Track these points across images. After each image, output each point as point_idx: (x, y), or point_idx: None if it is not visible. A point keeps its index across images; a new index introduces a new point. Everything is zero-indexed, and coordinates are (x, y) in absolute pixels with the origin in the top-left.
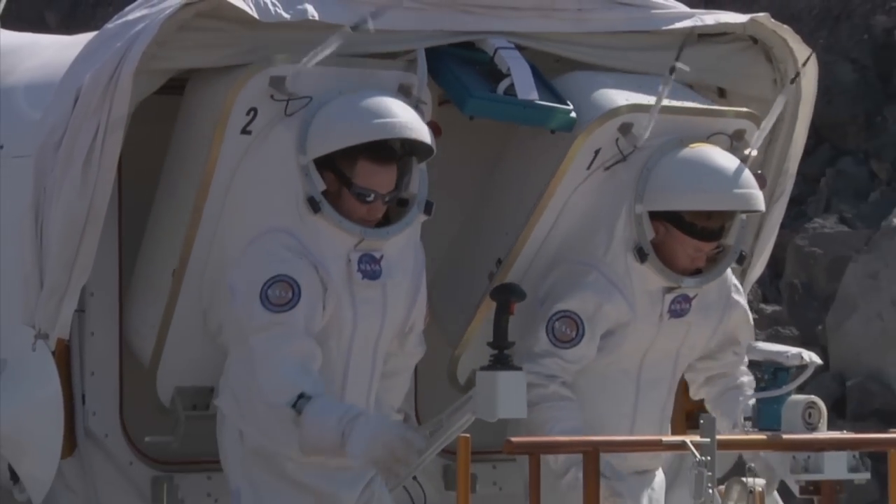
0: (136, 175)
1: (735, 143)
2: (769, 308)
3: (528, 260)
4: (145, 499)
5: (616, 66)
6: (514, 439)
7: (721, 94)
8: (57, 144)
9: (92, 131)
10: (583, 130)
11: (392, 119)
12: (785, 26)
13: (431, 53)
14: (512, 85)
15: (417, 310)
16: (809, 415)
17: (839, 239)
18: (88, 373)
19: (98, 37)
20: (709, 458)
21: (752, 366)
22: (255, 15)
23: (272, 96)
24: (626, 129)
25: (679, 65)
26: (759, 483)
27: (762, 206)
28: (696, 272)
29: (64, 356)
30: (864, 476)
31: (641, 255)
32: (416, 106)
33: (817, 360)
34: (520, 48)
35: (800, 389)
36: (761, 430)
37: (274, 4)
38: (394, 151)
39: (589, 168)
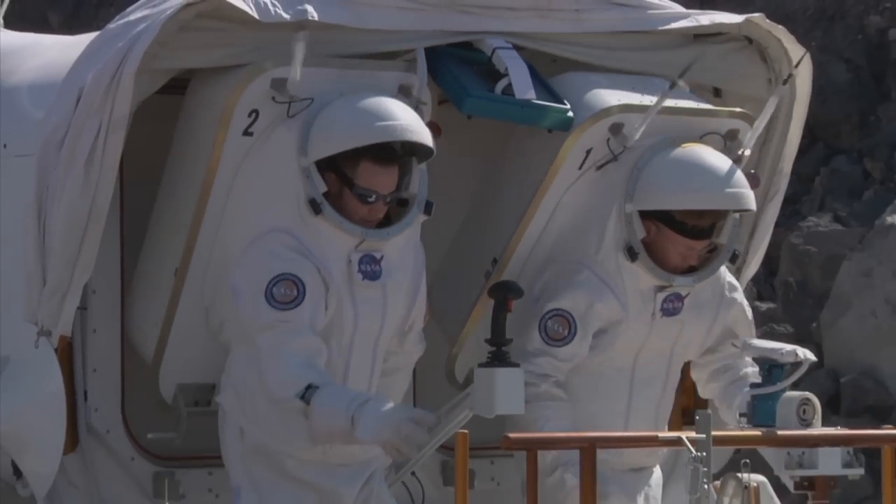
0: (138, 174)
1: (728, 143)
2: (764, 306)
3: (523, 259)
4: (147, 494)
5: (613, 66)
6: (511, 435)
7: (716, 93)
8: (59, 143)
9: (94, 130)
10: (574, 130)
11: (393, 122)
12: (780, 26)
13: (430, 53)
14: (510, 84)
15: (417, 309)
16: (804, 411)
17: (833, 237)
18: (90, 369)
19: (100, 37)
20: (704, 453)
21: None
22: (256, 15)
23: (274, 98)
24: (616, 129)
25: (680, 83)
26: (754, 479)
27: (753, 206)
28: (689, 271)
29: (66, 353)
30: (857, 472)
31: (632, 254)
32: (416, 106)
33: (812, 357)
34: (517, 48)
35: (794, 386)
36: (756, 426)
37: (274, 5)
38: (395, 152)
39: (581, 168)
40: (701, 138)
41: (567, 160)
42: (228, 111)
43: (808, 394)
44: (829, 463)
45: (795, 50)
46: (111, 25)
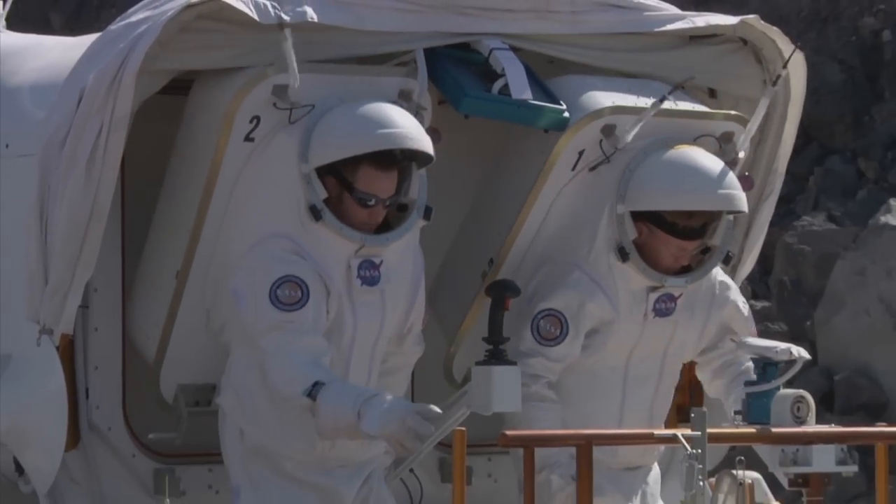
0: (139, 173)
1: (723, 145)
2: (759, 304)
3: (518, 259)
4: (148, 491)
5: (609, 67)
6: (508, 433)
7: (711, 94)
8: (61, 143)
9: (95, 130)
10: (566, 132)
11: (393, 129)
12: (774, 28)
13: (428, 54)
14: (506, 85)
15: (416, 312)
16: (798, 409)
17: (827, 236)
18: (92, 367)
19: (102, 38)
20: (699, 451)
21: None
22: (256, 17)
23: (275, 104)
24: (608, 130)
25: (670, 98)
26: (749, 476)
27: (744, 207)
28: (682, 272)
29: (68, 351)
30: (851, 469)
31: (623, 255)
32: (417, 112)
33: (806, 355)
34: (514, 49)
35: (788, 384)
36: (751, 423)
37: (274, 7)
38: (395, 157)
39: (574, 169)
40: (695, 140)
41: (559, 161)
42: (230, 117)
43: (802, 391)
44: (823, 460)
45: (790, 51)
46: (112, 26)
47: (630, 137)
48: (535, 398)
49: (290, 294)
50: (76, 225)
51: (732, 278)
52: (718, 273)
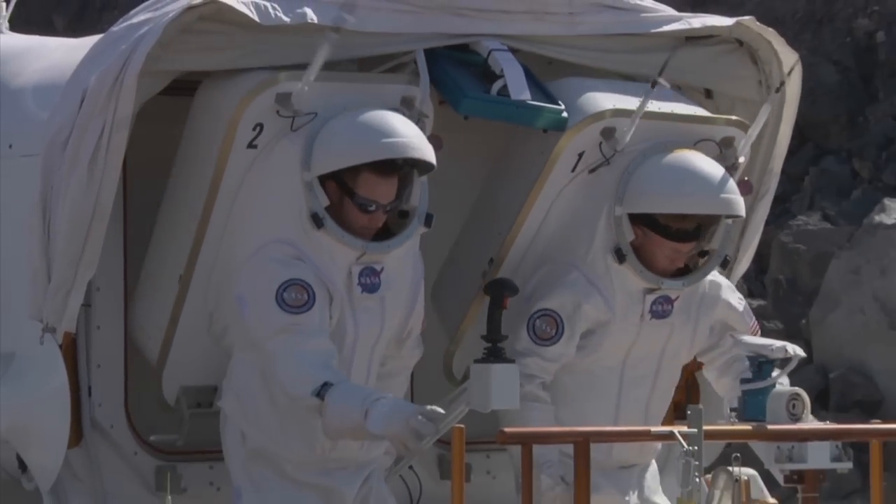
0: (141, 173)
1: (724, 150)
2: (754, 303)
3: (518, 259)
4: (149, 487)
5: (606, 68)
6: (507, 430)
7: (708, 94)
8: (64, 143)
9: (98, 130)
10: (565, 134)
11: (396, 139)
12: (770, 29)
13: (427, 55)
14: (505, 86)
15: (415, 317)
16: (793, 406)
17: (822, 235)
18: (94, 365)
19: (104, 39)
20: (696, 447)
21: None
22: (256, 18)
23: (278, 112)
24: (608, 133)
25: (661, 80)
26: (745, 472)
27: (741, 212)
28: (679, 274)
29: (71, 349)
30: (846, 465)
31: (620, 257)
32: (419, 119)
33: (801, 352)
34: (513, 50)
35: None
36: (747, 420)
37: (274, 8)
38: (396, 164)
39: (573, 170)
40: (695, 145)
41: (559, 163)
42: (234, 124)
43: (797, 389)
44: (819, 457)
45: (785, 52)
46: (114, 28)
47: (628, 138)
48: (528, 398)
49: (296, 297)
50: (79, 224)
51: (728, 277)
52: (715, 275)
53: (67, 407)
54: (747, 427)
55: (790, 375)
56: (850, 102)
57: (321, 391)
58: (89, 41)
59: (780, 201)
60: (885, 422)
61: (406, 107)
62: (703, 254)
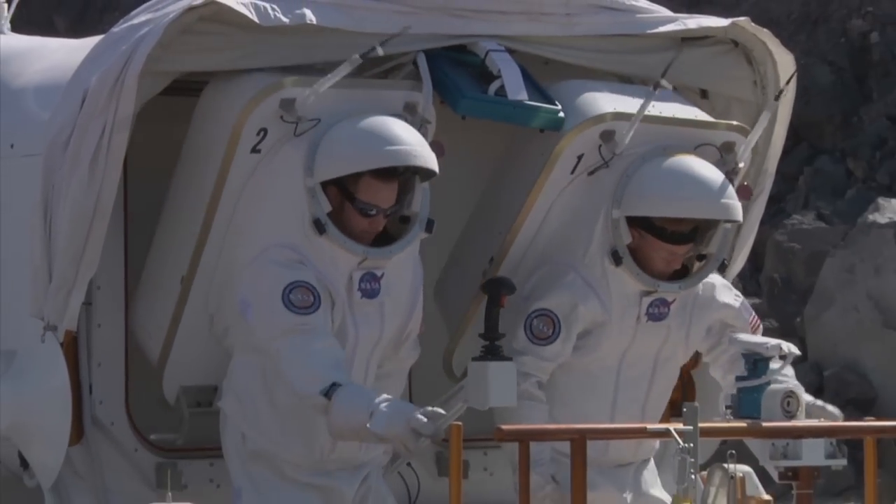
0: (142, 173)
1: (724, 155)
2: (749, 301)
3: (517, 259)
4: (150, 484)
5: (602, 68)
6: (504, 427)
7: (703, 95)
8: (65, 143)
9: (99, 130)
10: (565, 136)
11: (399, 146)
12: (765, 30)
13: (425, 56)
14: (503, 86)
15: (414, 321)
16: (788, 403)
17: (817, 235)
18: (95, 363)
19: (104, 40)
20: (691, 444)
21: None
22: (256, 19)
23: (282, 117)
24: (608, 136)
25: (663, 82)
26: (740, 469)
27: (738, 217)
28: (677, 277)
29: (72, 347)
30: (840, 462)
31: (616, 259)
32: (421, 125)
33: (796, 350)
34: (510, 51)
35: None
36: (742, 418)
37: (273, 9)
38: (396, 169)
39: (573, 172)
40: (695, 149)
41: (559, 164)
42: (238, 129)
43: (792, 387)
44: (813, 454)
45: (780, 53)
46: (115, 29)
47: (627, 140)
48: (524, 396)
49: (303, 298)
50: (80, 223)
51: (724, 276)
52: (713, 277)
53: (68, 405)
54: (742, 424)
55: None
56: (845, 102)
57: (329, 391)
58: (90, 42)
59: (775, 201)
60: (878, 419)
61: (409, 112)
62: (701, 257)
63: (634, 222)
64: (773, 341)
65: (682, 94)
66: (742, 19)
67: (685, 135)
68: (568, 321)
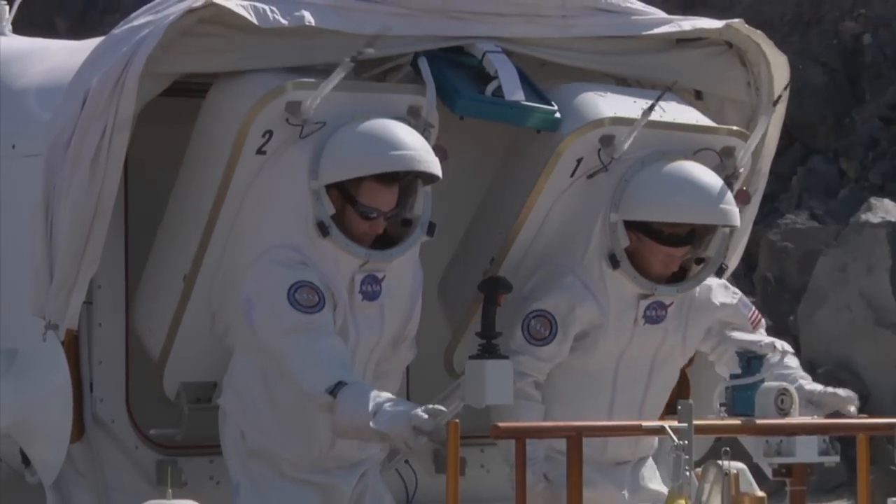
0: (142, 173)
1: (724, 160)
2: None
3: (517, 260)
4: (150, 481)
5: (599, 69)
6: (500, 424)
7: (698, 96)
8: (66, 144)
9: (99, 131)
10: (564, 139)
11: (404, 151)
12: (758, 31)
13: (420, 54)
14: (500, 87)
15: (412, 322)
16: (782, 401)
17: (810, 234)
18: (96, 362)
19: (105, 42)
20: (686, 442)
21: None
22: (255, 21)
23: (288, 120)
24: (607, 140)
25: (659, 105)
26: (734, 466)
27: (735, 222)
28: (674, 280)
29: (73, 346)
30: (833, 459)
31: (614, 262)
32: (424, 129)
33: (789, 348)
34: (507, 53)
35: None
36: (736, 415)
37: (272, 11)
38: (398, 173)
39: (572, 176)
40: (695, 154)
41: (558, 168)
42: (244, 130)
43: (785, 384)
44: (806, 451)
45: (774, 54)
46: (116, 31)
47: (626, 146)
48: (520, 395)
49: (308, 297)
50: (80, 223)
51: (721, 278)
52: (711, 280)
53: (70, 402)
54: (737, 422)
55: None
56: (837, 104)
57: (335, 389)
58: (91, 43)
59: (769, 200)
60: (871, 416)
61: (412, 116)
62: (699, 261)
63: (632, 225)
64: (766, 339)
65: (676, 94)
66: (736, 21)
67: (684, 139)
68: (565, 323)
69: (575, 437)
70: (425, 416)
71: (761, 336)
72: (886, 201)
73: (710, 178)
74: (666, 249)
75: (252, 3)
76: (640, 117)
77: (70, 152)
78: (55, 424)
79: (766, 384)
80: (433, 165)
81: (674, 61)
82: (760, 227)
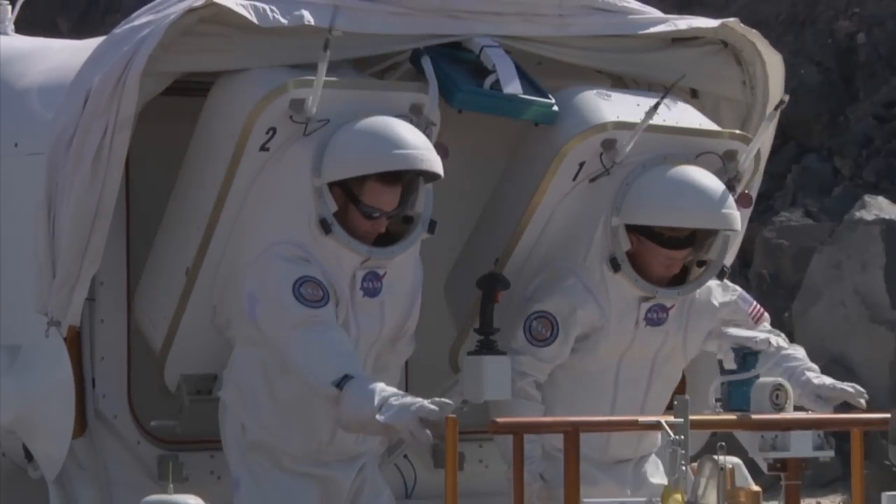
0: (144, 171)
1: (726, 163)
2: None
3: (521, 261)
4: (152, 476)
5: (595, 67)
6: (499, 419)
7: (693, 94)
8: (68, 142)
9: (101, 130)
10: (567, 143)
11: (407, 150)
12: (754, 31)
13: (421, 51)
14: (497, 81)
15: (412, 318)
16: (777, 396)
17: (804, 231)
18: (98, 358)
19: (107, 41)
20: (682, 437)
21: None
22: (255, 20)
23: (291, 117)
24: (609, 144)
25: (664, 102)
26: (729, 460)
27: (736, 226)
28: (676, 283)
29: (75, 342)
30: (828, 454)
31: (615, 266)
32: (426, 127)
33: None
34: (505, 50)
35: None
36: (731, 410)
37: (272, 10)
38: (401, 173)
39: (574, 179)
40: (697, 157)
41: (561, 171)
42: (248, 128)
43: (780, 380)
44: (801, 446)
45: (769, 53)
46: (117, 30)
47: (628, 149)
48: (520, 394)
49: (313, 292)
50: (82, 221)
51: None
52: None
53: (72, 398)
54: (732, 417)
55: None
56: (832, 102)
57: (341, 382)
58: (93, 43)
59: (764, 198)
60: (865, 411)
61: (414, 114)
62: (700, 263)
63: (633, 228)
64: (761, 335)
65: (673, 93)
66: (731, 20)
67: (686, 143)
68: (566, 324)
69: (572, 432)
70: (432, 408)
71: (758, 332)
72: (880, 199)
73: (711, 182)
74: (667, 252)
75: (252, 2)
76: (641, 120)
77: (72, 151)
78: (58, 420)
79: (762, 380)
80: (435, 164)
81: (670, 60)
82: (755, 224)
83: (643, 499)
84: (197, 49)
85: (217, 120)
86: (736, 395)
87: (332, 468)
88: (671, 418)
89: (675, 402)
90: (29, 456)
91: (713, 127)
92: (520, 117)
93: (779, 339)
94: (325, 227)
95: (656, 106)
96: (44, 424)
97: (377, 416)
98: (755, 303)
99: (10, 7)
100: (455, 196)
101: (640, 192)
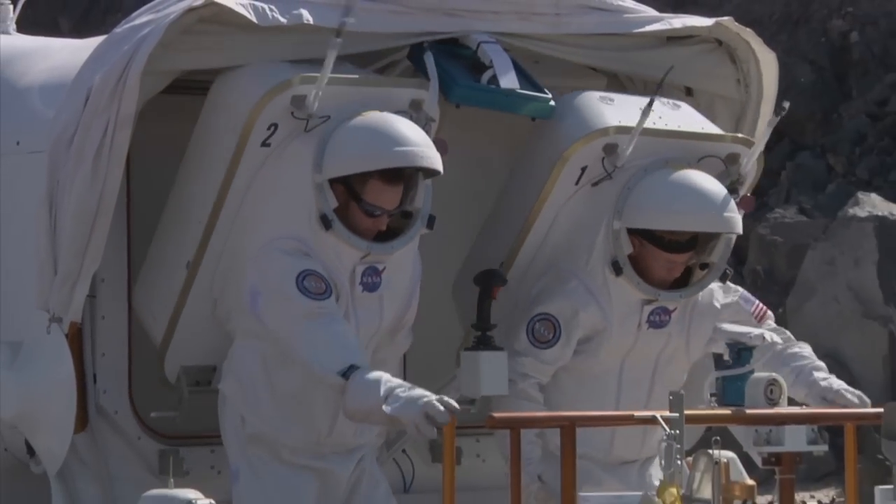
0: (144, 169)
1: (728, 167)
2: None
3: (526, 264)
4: (153, 471)
5: (591, 65)
6: (496, 414)
7: (688, 92)
8: (69, 140)
9: (102, 128)
10: (569, 148)
11: (408, 148)
12: (748, 29)
13: (419, 48)
14: (494, 76)
15: (410, 312)
16: (771, 391)
17: (798, 228)
18: (99, 354)
19: (107, 40)
20: (677, 431)
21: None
22: (254, 19)
23: (293, 113)
24: (610, 149)
25: (659, 99)
26: (724, 455)
27: (738, 229)
28: (678, 285)
29: (76, 338)
30: (822, 448)
31: (617, 269)
32: (426, 123)
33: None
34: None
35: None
36: (726, 405)
37: (271, 10)
38: (402, 172)
39: (577, 183)
40: (699, 161)
41: (563, 175)
42: (250, 123)
43: (775, 375)
44: (795, 440)
45: (763, 52)
46: (118, 29)
47: (628, 152)
48: (522, 396)
49: (316, 285)
50: (84, 218)
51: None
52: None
53: (73, 394)
54: (727, 412)
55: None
56: (825, 100)
57: (347, 372)
58: (93, 42)
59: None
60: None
61: (414, 109)
62: (703, 266)
63: (635, 231)
64: (756, 331)
65: (668, 91)
66: (726, 19)
67: (688, 147)
68: (569, 326)
69: (568, 427)
70: (441, 409)
71: (751, 328)
72: (873, 195)
73: (712, 185)
74: (668, 256)
75: (251, 1)
76: (640, 117)
77: (73, 149)
78: (59, 415)
79: (756, 375)
80: (435, 161)
81: (665, 58)
82: (750, 221)
83: (638, 493)
84: (197, 48)
85: (219, 115)
86: (730, 390)
87: (330, 461)
88: (666, 413)
89: (671, 398)
90: (31, 451)
91: (715, 130)
92: (517, 112)
93: (774, 336)
94: (325, 222)
95: (650, 104)
96: (45, 420)
97: (383, 407)
98: (757, 302)
99: (11, 6)
100: (453, 189)
101: (642, 196)
